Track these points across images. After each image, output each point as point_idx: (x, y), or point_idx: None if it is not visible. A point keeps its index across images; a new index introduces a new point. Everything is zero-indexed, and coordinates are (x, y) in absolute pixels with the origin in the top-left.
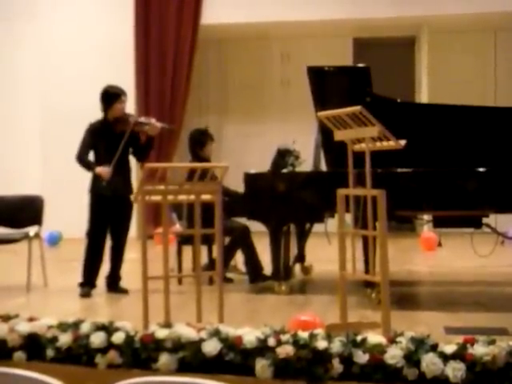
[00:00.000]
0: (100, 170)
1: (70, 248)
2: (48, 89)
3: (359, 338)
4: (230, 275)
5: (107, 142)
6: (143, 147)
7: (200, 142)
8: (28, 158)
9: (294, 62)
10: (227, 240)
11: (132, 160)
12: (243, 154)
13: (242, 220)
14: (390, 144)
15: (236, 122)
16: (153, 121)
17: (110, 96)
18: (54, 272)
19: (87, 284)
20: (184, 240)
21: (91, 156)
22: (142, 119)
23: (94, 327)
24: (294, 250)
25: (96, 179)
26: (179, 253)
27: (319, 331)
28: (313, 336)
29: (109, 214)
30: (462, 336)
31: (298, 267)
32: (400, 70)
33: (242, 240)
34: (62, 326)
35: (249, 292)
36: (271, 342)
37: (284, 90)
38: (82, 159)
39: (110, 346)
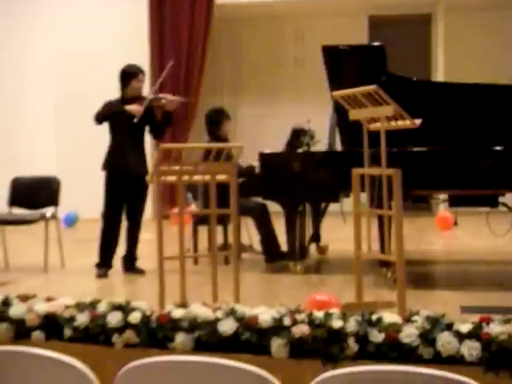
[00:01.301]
0: (131, 106)
1: (87, 228)
2: (61, 71)
3: (374, 317)
4: (245, 255)
5: (123, 119)
6: (161, 123)
7: (217, 121)
8: (43, 140)
9: (309, 42)
10: (243, 219)
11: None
12: (258, 134)
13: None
14: (406, 123)
15: (250, 103)
16: (169, 96)
17: (128, 74)
18: (70, 253)
19: (103, 265)
20: (199, 220)
21: (106, 134)
22: (159, 95)
23: (111, 307)
24: (309, 230)
25: (110, 155)
26: (195, 233)
27: (335, 310)
28: (328, 315)
29: (124, 193)
30: (477, 315)
31: (313, 247)
32: (416, 48)
33: (260, 218)
34: (80, 306)
35: (264, 272)
36: (287, 321)
37: (298, 70)
38: (103, 113)
39: (126, 325)
